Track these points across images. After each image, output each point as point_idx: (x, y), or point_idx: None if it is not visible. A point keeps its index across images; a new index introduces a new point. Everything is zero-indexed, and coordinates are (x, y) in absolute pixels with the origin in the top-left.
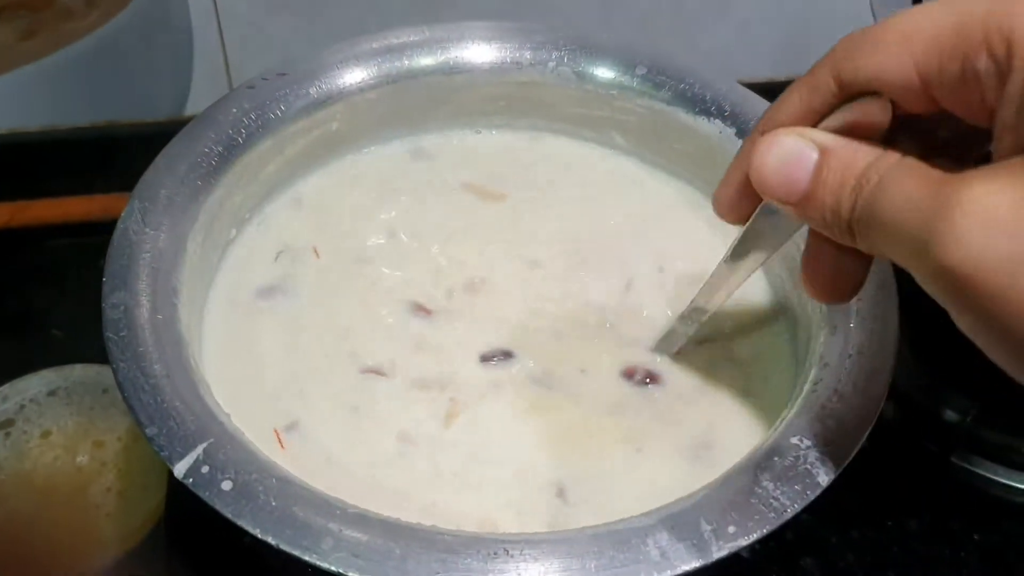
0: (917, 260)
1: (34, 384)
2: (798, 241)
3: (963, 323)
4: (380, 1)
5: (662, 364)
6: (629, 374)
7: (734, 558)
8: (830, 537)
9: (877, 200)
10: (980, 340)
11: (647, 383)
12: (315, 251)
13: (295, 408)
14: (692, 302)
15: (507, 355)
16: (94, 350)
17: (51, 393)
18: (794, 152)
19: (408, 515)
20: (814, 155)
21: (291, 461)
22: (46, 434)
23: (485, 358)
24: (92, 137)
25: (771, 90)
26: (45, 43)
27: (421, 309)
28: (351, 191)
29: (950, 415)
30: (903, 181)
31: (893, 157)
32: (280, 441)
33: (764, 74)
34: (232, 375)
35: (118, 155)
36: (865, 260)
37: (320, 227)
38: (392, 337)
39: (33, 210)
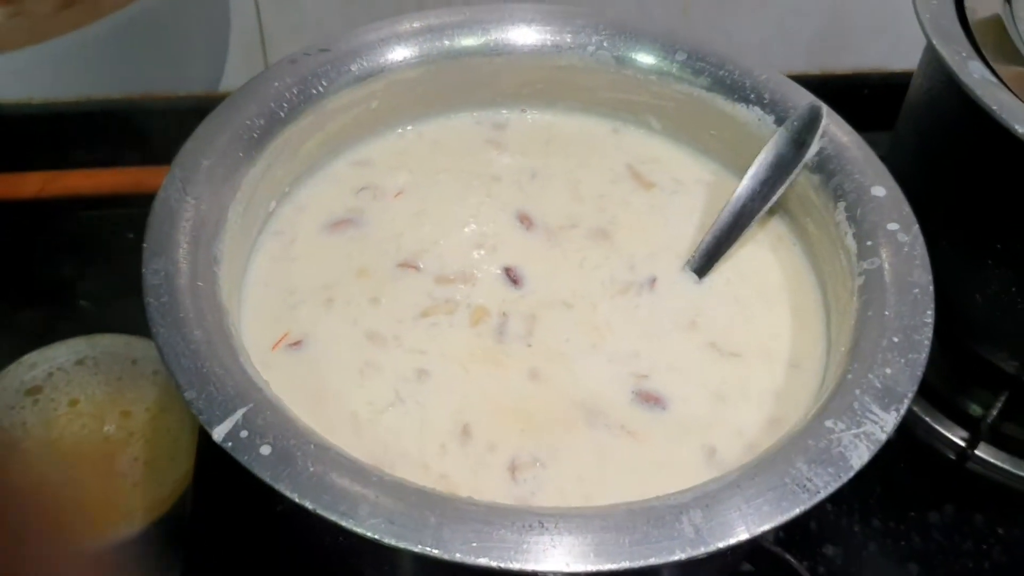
0: None
1: (62, 352)
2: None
3: None
4: None
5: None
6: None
7: (757, 547)
8: (853, 526)
9: None
10: None
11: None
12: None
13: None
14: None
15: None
16: (122, 321)
17: (79, 362)
18: None
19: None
20: None
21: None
22: (73, 403)
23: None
24: (126, 109)
25: (806, 84)
26: (83, 13)
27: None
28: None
29: (974, 408)
30: None
31: None
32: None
33: (799, 67)
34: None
35: (152, 128)
36: None
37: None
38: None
39: (65, 180)
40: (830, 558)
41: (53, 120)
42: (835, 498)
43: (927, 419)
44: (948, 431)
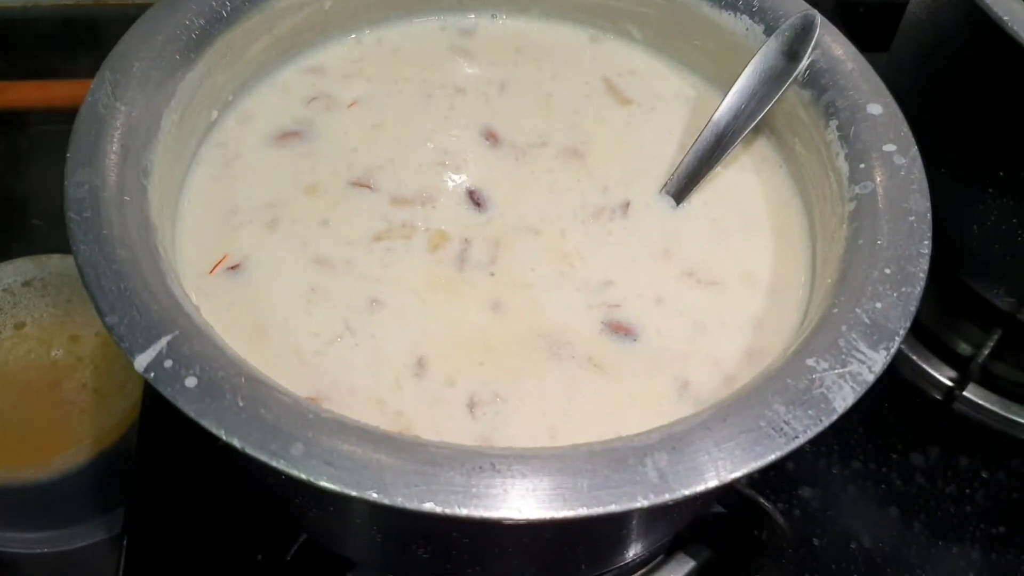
0: None
1: (8, 273)
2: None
3: None
4: None
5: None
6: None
7: (728, 487)
8: (831, 468)
9: None
10: None
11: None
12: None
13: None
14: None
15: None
16: None
17: (26, 284)
18: None
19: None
20: None
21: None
22: (20, 326)
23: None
24: (79, 16)
25: None
26: None
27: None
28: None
29: (963, 347)
30: None
31: None
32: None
33: None
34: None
35: (106, 37)
36: None
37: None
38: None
39: (14, 92)
40: (806, 500)
41: (1, 28)
42: (813, 438)
43: (913, 357)
44: (935, 370)
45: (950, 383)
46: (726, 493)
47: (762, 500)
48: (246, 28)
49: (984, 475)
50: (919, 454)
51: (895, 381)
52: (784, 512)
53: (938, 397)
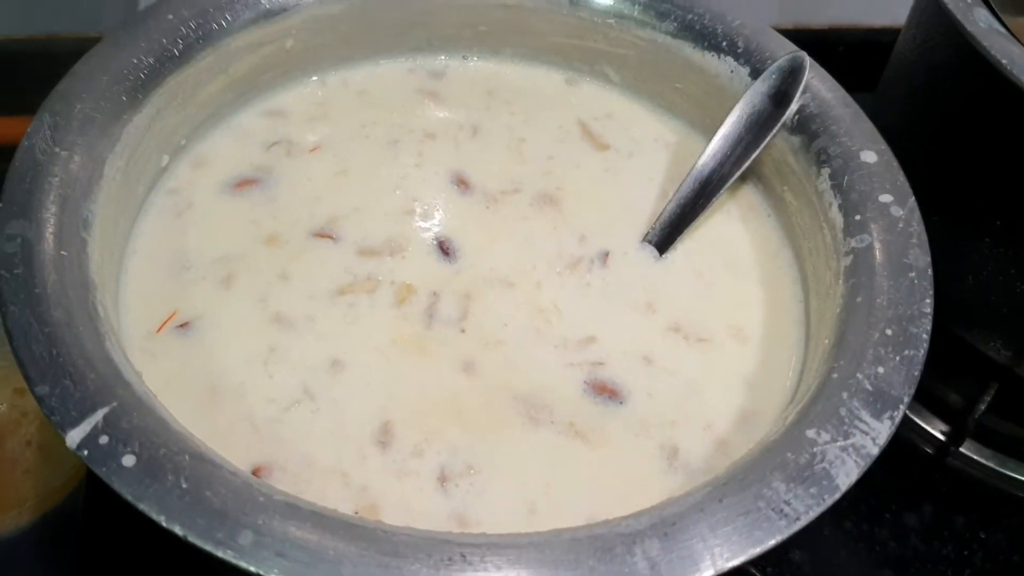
0: None
1: None
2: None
3: None
4: None
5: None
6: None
7: None
8: (823, 529)
9: None
10: None
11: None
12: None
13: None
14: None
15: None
16: None
17: None
18: None
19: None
20: None
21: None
22: None
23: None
24: (30, 50)
25: None
26: None
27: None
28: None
29: (958, 401)
30: None
31: None
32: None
33: (771, 21)
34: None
35: (58, 72)
36: None
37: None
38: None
39: None
40: (797, 565)
41: None
42: None
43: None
44: (928, 424)
45: (944, 438)
46: None
47: (751, 567)
48: (200, 68)
49: (982, 535)
50: (913, 513)
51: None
52: None
53: (931, 452)
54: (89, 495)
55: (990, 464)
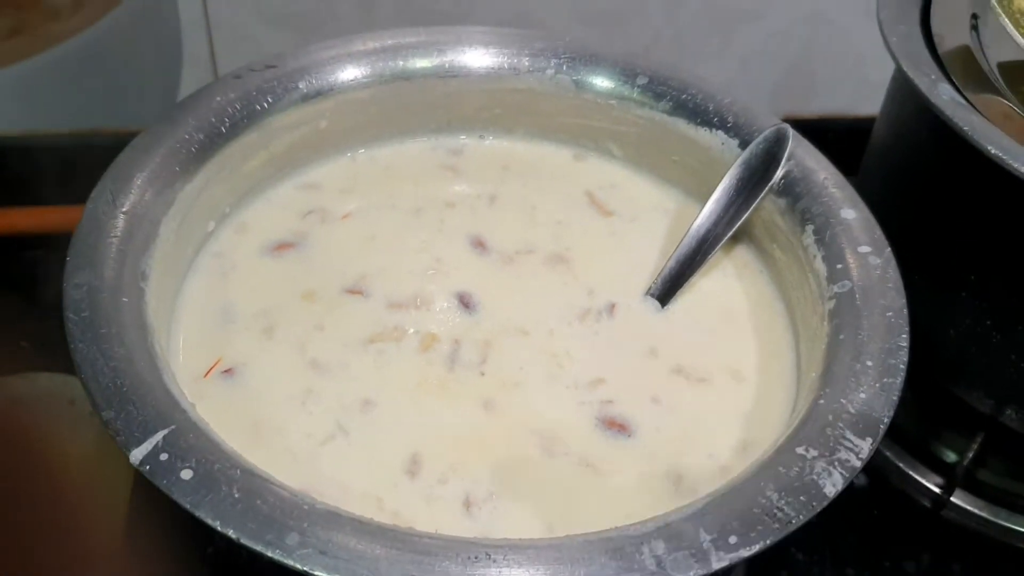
0: None
1: None
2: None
3: None
4: (381, 24)
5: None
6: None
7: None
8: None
9: None
10: None
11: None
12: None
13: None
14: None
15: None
16: (62, 362)
17: (15, 401)
18: None
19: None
20: None
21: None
22: None
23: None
24: (74, 144)
25: None
26: (28, 44)
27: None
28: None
29: (948, 454)
30: None
31: None
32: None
33: None
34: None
35: (101, 164)
36: None
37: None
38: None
39: (8, 218)
40: None
41: None
42: (806, 546)
43: (900, 465)
44: (923, 477)
45: (938, 490)
46: None
47: None
48: (244, 144)
49: None
50: (912, 561)
51: (884, 489)
52: None
53: (927, 504)
54: (129, 556)
55: (982, 514)
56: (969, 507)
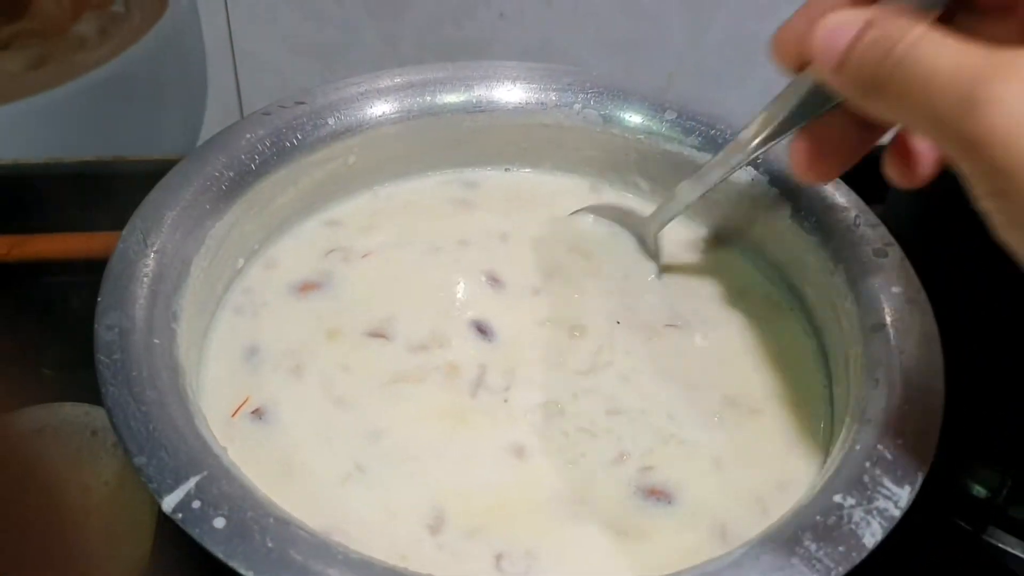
0: (947, 124)
1: (20, 422)
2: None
3: (986, 193)
4: (405, 53)
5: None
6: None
7: None
8: None
9: (914, 61)
10: (1003, 215)
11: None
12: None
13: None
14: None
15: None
16: (85, 391)
17: (38, 432)
18: (843, 21)
19: None
20: (859, 24)
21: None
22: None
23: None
24: (97, 172)
25: None
26: (54, 73)
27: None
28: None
29: (980, 491)
30: (945, 44)
31: (936, 28)
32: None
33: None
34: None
35: (123, 191)
36: (863, 142)
37: (331, 260)
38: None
39: (32, 244)
40: None
41: (21, 182)
42: None
43: (931, 502)
44: (954, 515)
45: (972, 528)
46: None
47: None
48: (274, 181)
49: None
50: None
51: (914, 528)
52: None
53: (958, 543)
54: None
55: (1016, 552)
56: (1003, 545)
